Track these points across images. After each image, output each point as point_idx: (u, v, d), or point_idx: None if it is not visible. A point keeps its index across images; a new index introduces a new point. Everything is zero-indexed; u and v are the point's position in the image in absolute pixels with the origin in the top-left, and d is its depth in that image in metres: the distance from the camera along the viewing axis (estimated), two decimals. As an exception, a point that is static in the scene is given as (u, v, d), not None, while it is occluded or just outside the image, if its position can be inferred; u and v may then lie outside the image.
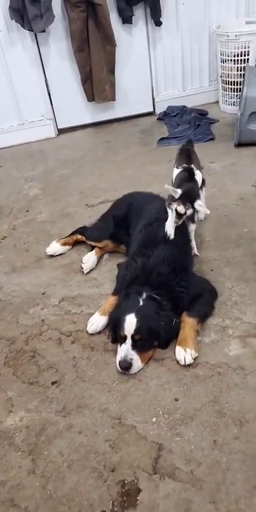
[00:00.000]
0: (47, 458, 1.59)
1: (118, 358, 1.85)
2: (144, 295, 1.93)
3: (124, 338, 1.85)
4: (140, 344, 1.84)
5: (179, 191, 2.13)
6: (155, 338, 1.89)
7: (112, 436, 1.63)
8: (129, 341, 1.84)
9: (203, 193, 2.51)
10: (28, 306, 2.34)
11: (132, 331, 1.83)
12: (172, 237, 2.13)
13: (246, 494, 1.39)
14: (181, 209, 2.09)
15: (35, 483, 1.52)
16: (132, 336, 1.83)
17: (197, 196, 2.17)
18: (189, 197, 2.12)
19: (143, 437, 1.60)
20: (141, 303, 1.90)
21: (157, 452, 1.55)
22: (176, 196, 2.12)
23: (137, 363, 1.84)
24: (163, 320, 1.88)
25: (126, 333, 1.84)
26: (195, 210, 2.17)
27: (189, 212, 2.11)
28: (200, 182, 2.37)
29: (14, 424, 1.73)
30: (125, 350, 1.84)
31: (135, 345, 1.84)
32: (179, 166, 2.39)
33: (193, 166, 2.36)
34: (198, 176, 2.36)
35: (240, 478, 1.44)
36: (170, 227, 2.14)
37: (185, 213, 2.10)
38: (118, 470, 1.51)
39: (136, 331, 1.83)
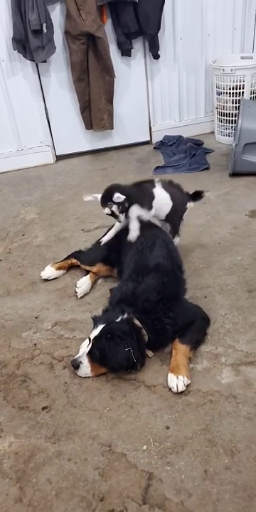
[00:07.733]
0: (35, 486, 1.56)
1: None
2: (125, 315, 1.95)
3: (89, 341, 1.96)
4: (94, 354, 1.91)
5: (98, 195, 2.30)
6: (106, 358, 1.90)
7: (102, 464, 1.60)
8: (89, 346, 1.94)
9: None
10: (21, 329, 2.33)
11: (92, 338, 1.93)
12: (132, 239, 2.32)
13: (237, 527, 1.37)
14: (107, 211, 2.26)
15: (21, 512, 1.49)
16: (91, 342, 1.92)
17: (115, 191, 2.25)
18: (107, 196, 2.26)
19: (133, 465, 1.58)
20: (117, 319, 1.94)
21: (147, 481, 1.52)
22: (99, 200, 2.29)
23: (86, 368, 1.94)
24: (117, 342, 1.87)
25: (90, 335, 1.96)
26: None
27: (114, 208, 2.24)
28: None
29: (3, 449, 1.70)
30: (81, 352, 1.97)
31: (91, 353, 1.92)
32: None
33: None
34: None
35: (230, 511, 1.41)
36: (132, 231, 2.32)
37: (112, 212, 2.26)
38: (107, 499, 1.49)
39: (95, 338, 1.91)
